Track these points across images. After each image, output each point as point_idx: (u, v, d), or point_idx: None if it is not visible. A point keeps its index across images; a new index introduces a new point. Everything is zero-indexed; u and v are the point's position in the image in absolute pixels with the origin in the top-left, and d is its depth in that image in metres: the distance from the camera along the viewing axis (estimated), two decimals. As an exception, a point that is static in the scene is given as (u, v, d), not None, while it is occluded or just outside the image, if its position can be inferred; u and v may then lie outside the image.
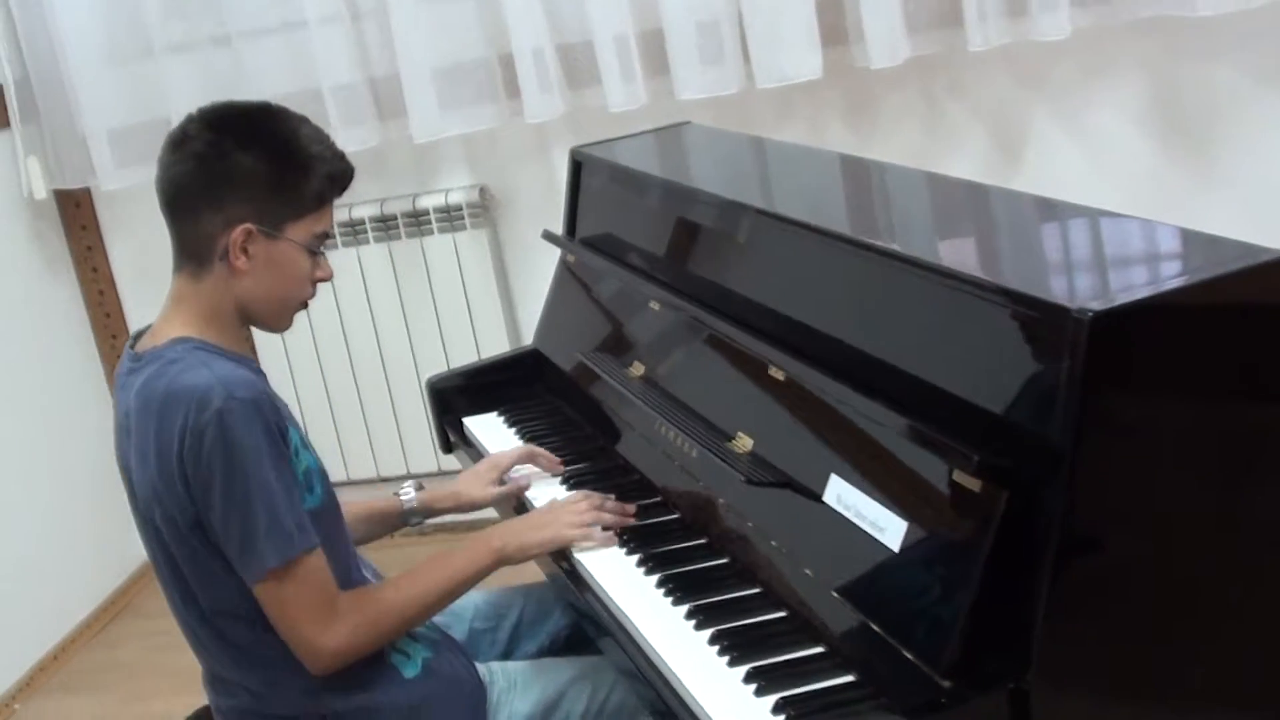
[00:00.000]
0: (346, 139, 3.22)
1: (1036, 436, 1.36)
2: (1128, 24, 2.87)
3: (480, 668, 1.90)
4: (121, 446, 1.78)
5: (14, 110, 3.46)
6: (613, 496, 1.98)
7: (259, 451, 1.65)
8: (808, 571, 1.62)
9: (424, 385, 2.59)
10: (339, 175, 1.79)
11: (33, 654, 3.40)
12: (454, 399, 2.53)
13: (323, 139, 1.79)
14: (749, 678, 1.53)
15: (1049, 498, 1.33)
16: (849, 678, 1.50)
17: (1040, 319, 1.38)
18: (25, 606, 3.37)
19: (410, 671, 1.82)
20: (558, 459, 2.19)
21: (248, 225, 1.72)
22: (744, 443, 1.81)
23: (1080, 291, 1.49)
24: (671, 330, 2.13)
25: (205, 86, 3.24)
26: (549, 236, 2.56)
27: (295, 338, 3.52)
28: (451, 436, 2.51)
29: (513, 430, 2.39)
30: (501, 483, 2.17)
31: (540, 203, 3.37)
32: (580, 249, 2.50)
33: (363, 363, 3.61)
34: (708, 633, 1.64)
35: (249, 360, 1.78)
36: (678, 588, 1.75)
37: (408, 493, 2.15)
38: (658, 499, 2.00)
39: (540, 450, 2.19)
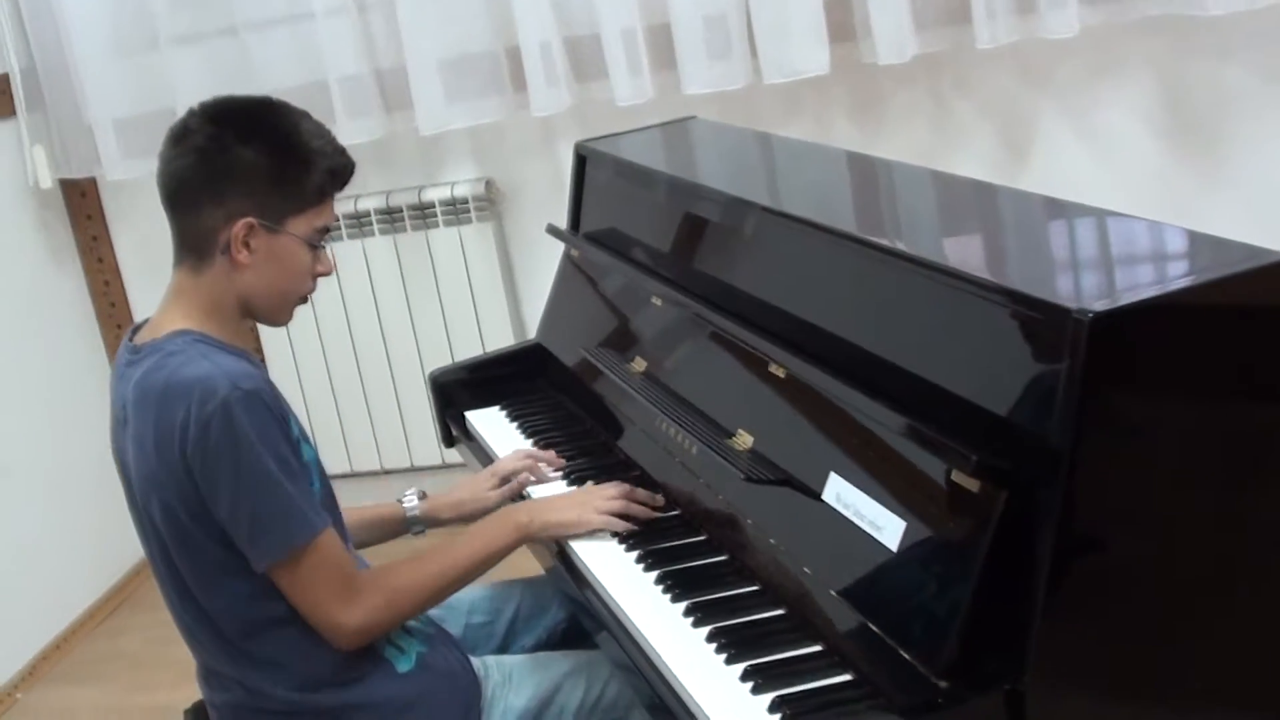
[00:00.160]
0: (352, 130, 3.23)
1: (1036, 437, 1.35)
2: (1136, 22, 2.86)
3: (475, 662, 1.90)
4: (118, 438, 1.78)
5: (20, 99, 3.47)
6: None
7: (266, 439, 1.66)
8: (806, 570, 1.62)
9: (427, 378, 2.59)
10: (340, 170, 1.79)
11: (36, 643, 3.40)
12: (456, 392, 2.53)
13: (324, 133, 1.79)
14: (746, 675, 1.53)
15: (1048, 498, 1.32)
16: (846, 676, 1.50)
17: (1041, 319, 1.37)
18: (28, 595, 3.37)
19: (404, 666, 1.82)
20: (558, 460, 2.18)
21: (249, 219, 1.72)
22: (744, 440, 1.81)
23: (1081, 292, 1.49)
24: (674, 326, 2.13)
25: (211, 77, 3.23)
26: (553, 230, 2.55)
27: (300, 330, 3.53)
28: (454, 430, 2.51)
29: (515, 424, 2.39)
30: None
31: (546, 196, 3.36)
32: (584, 243, 2.49)
33: (367, 355, 3.61)
34: (705, 630, 1.64)
35: (247, 353, 1.78)
36: (676, 584, 1.75)
37: (410, 500, 2.15)
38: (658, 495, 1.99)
39: (540, 452, 2.19)
